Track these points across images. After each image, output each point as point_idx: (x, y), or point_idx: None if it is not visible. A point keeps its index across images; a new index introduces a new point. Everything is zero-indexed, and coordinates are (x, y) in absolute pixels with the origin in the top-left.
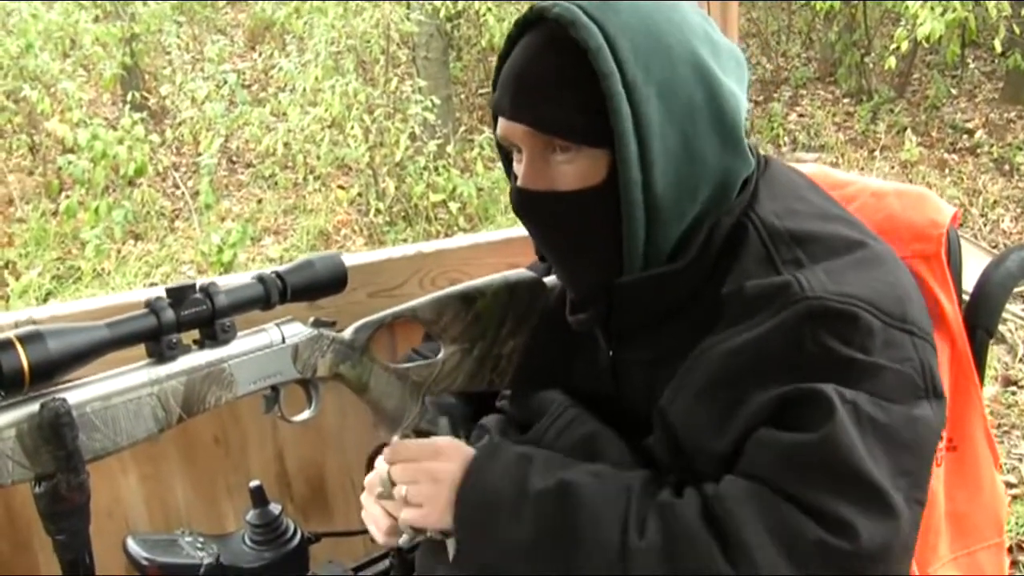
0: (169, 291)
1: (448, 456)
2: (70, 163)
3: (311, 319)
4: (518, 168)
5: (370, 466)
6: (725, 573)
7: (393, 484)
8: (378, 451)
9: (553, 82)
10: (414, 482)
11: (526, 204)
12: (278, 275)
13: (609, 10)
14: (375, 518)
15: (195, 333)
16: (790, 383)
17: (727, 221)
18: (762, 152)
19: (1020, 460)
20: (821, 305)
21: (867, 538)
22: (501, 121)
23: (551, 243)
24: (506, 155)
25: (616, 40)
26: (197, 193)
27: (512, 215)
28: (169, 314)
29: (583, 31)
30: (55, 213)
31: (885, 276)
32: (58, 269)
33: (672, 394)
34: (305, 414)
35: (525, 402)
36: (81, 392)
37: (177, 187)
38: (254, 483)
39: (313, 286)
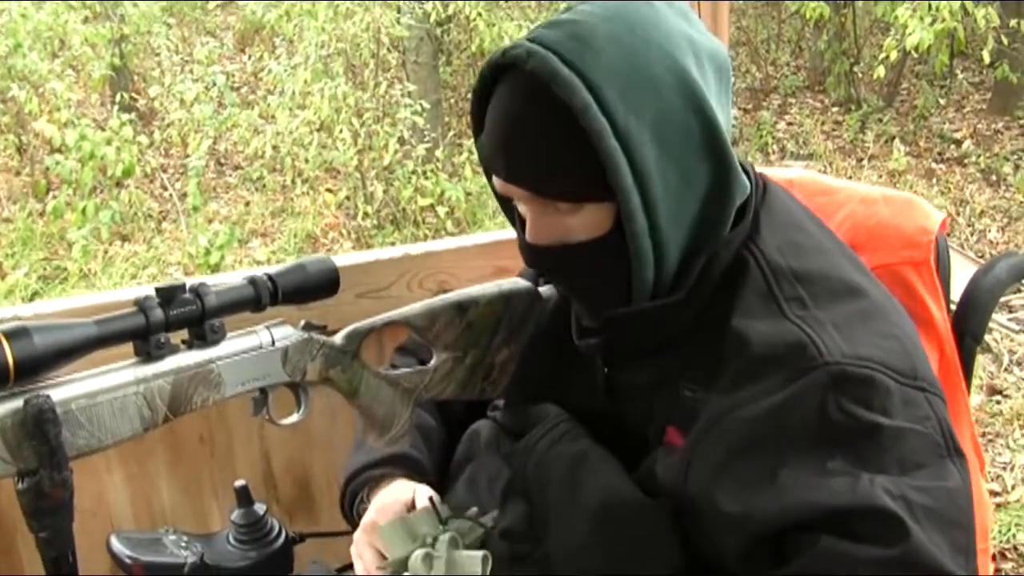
0: (159, 290)
1: None
2: (58, 163)
3: (302, 322)
4: (522, 210)
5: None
6: None
7: None
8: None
9: (544, 146)
10: None
11: (538, 258)
12: (269, 277)
13: (587, 52)
14: (366, 563)
15: (184, 333)
16: (823, 461)
17: (726, 254)
18: (758, 169)
19: (1004, 469)
20: (840, 371)
21: None
22: (497, 180)
23: (566, 286)
24: (504, 199)
25: (601, 90)
26: (185, 195)
27: (500, 220)
28: (158, 313)
29: (565, 89)
30: (42, 213)
31: (890, 329)
32: (44, 269)
33: (684, 458)
34: (294, 417)
35: (518, 412)
36: (66, 389)
37: (165, 189)
38: (239, 482)
39: (304, 289)
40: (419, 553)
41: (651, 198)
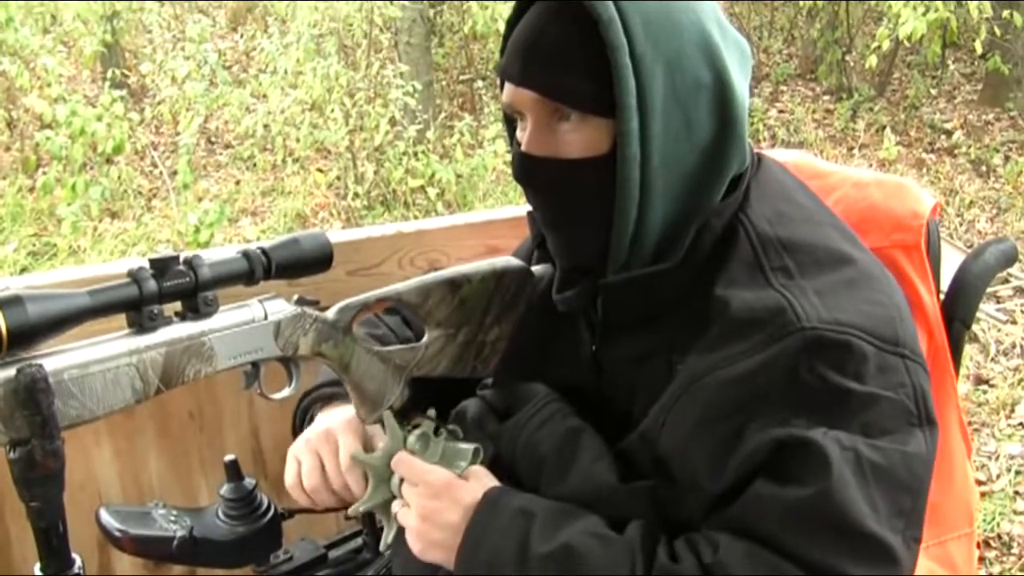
0: (152, 262)
1: (450, 500)
2: (48, 139)
3: (295, 297)
4: (521, 136)
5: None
6: None
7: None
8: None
9: (563, 50)
10: (422, 518)
11: (528, 169)
12: (263, 251)
13: None
14: (306, 467)
15: (177, 306)
16: (787, 419)
17: (717, 223)
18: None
19: (989, 458)
20: (816, 335)
21: None
22: (508, 87)
23: (547, 210)
24: (511, 123)
25: (627, 13)
26: (175, 172)
27: (490, 202)
28: (151, 284)
29: (595, 1)
30: (31, 189)
31: (876, 296)
32: (34, 245)
33: (659, 417)
34: (285, 392)
35: (507, 391)
36: (59, 359)
37: (155, 166)
38: (229, 457)
39: (298, 263)
40: (417, 433)
41: (649, 128)
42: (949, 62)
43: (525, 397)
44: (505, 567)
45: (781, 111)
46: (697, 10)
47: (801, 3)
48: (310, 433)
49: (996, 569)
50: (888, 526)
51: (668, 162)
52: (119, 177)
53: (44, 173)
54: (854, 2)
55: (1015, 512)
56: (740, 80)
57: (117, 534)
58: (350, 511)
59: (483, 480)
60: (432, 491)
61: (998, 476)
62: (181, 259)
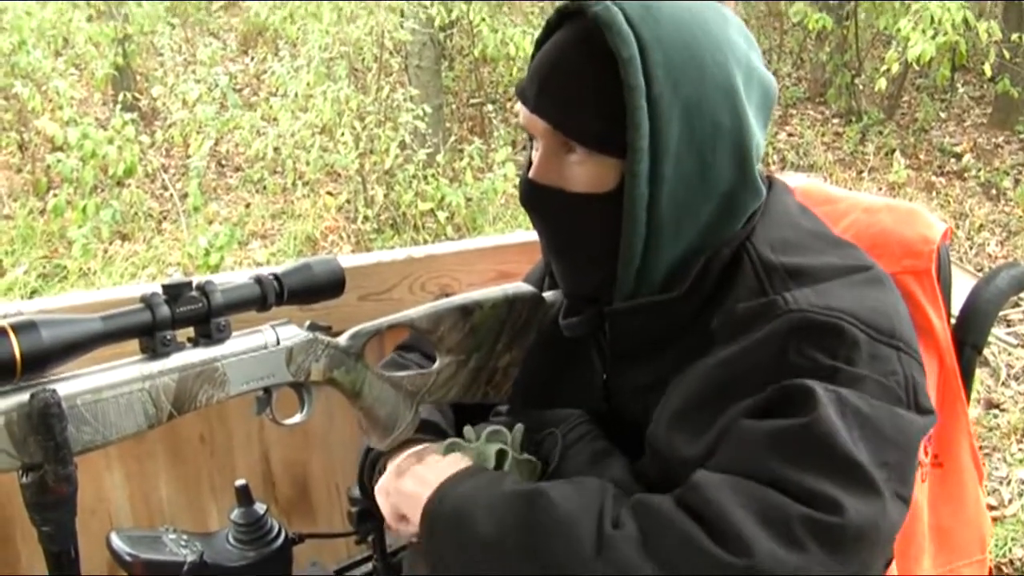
0: (165, 287)
1: (432, 462)
2: (59, 161)
3: (307, 322)
4: (535, 156)
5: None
6: (714, 552)
7: None
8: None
9: (578, 85)
10: (396, 473)
11: (532, 196)
12: (275, 276)
13: (650, 17)
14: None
15: (190, 331)
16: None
17: (726, 252)
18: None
19: (1001, 483)
20: (804, 318)
21: (854, 513)
22: (523, 110)
23: (551, 238)
24: (532, 137)
25: (650, 52)
26: (185, 195)
27: (500, 226)
28: (164, 310)
29: (617, 37)
30: (42, 211)
31: (876, 294)
32: (44, 267)
33: (657, 416)
34: (297, 418)
35: (531, 415)
36: (72, 384)
37: (166, 189)
38: (240, 482)
39: (310, 289)
40: (495, 447)
41: (661, 170)
42: (958, 85)
43: (551, 421)
44: (476, 506)
45: (791, 134)
46: (725, 50)
47: (811, 27)
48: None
49: None
50: (873, 466)
51: (679, 204)
52: (130, 200)
53: (55, 195)
54: (863, 25)
55: None
56: (758, 126)
57: (128, 558)
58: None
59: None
60: (416, 455)
61: (1010, 501)
62: (194, 285)
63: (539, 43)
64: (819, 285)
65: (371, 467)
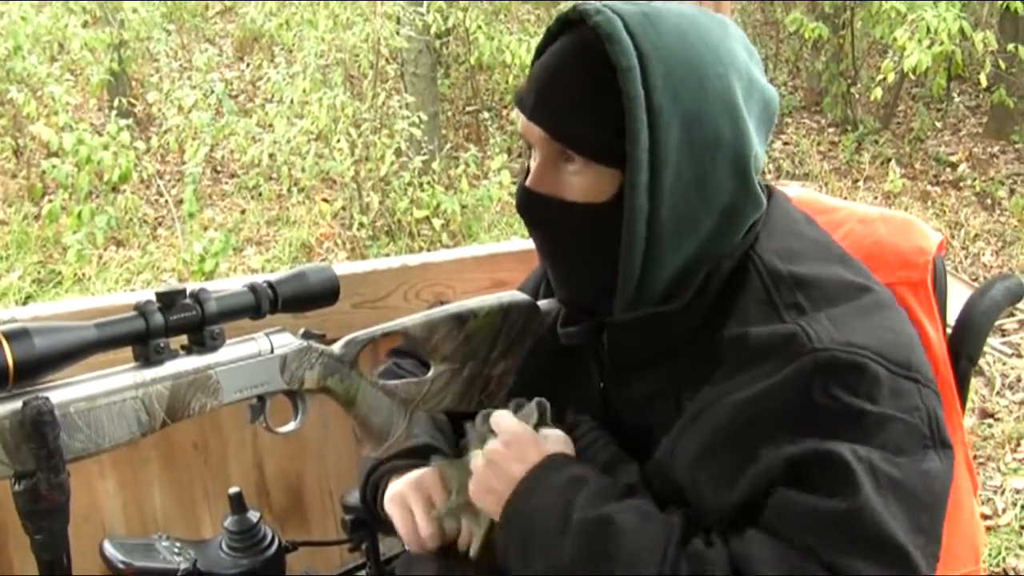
0: (159, 295)
1: (518, 452)
2: (54, 167)
3: (301, 330)
4: (532, 164)
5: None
6: None
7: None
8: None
9: (577, 94)
10: (488, 462)
11: (528, 204)
12: (269, 284)
13: (650, 27)
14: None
15: (183, 339)
16: (801, 437)
17: (727, 264)
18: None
19: (995, 492)
20: (829, 357)
21: None
22: (521, 118)
23: (547, 247)
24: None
25: (649, 62)
26: (181, 201)
27: (495, 233)
28: (158, 318)
29: (617, 47)
30: (37, 217)
31: (887, 322)
32: (39, 273)
33: (670, 446)
34: (291, 426)
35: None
36: (65, 392)
37: (161, 195)
38: (234, 489)
39: (305, 297)
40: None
41: (660, 181)
42: (954, 95)
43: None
44: (545, 526)
45: (786, 143)
46: (725, 62)
47: (807, 36)
48: (399, 485)
49: None
50: (910, 540)
51: (679, 216)
52: (125, 206)
53: (50, 201)
54: (859, 35)
55: (1021, 547)
56: (759, 139)
57: (121, 566)
58: (459, 545)
59: (559, 445)
60: (505, 439)
61: (1004, 510)
62: (188, 292)
63: (539, 51)
64: (832, 310)
65: (373, 487)
